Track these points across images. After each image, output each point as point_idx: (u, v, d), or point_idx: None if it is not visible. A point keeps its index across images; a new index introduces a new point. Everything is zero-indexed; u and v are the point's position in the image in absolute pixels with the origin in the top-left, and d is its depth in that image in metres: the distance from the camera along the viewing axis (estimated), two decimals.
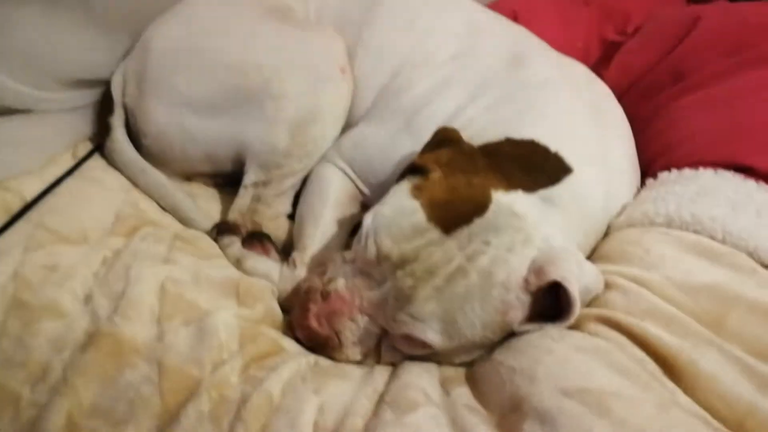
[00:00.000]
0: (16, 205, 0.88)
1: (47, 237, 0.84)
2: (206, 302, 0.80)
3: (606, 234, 0.92)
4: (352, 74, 1.06)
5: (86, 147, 1.05)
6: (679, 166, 0.96)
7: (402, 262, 0.75)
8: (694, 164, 0.94)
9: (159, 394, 0.70)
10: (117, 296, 0.78)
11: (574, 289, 0.72)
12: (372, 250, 0.77)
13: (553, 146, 0.86)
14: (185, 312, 0.78)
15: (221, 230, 0.97)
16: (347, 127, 1.06)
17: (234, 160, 1.04)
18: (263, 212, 1.02)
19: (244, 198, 1.02)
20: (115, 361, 0.72)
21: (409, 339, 0.77)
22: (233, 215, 1.02)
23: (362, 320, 0.79)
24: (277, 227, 1.02)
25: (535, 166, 0.84)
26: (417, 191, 0.78)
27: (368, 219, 0.80)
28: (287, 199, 1.04)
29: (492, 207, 0.76)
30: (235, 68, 0.99)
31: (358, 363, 0.81)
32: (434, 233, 0.75)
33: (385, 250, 0.76)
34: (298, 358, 0.77)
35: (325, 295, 0.80)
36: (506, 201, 0.78)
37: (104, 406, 0.69)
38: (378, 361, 0.81)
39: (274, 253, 0.97)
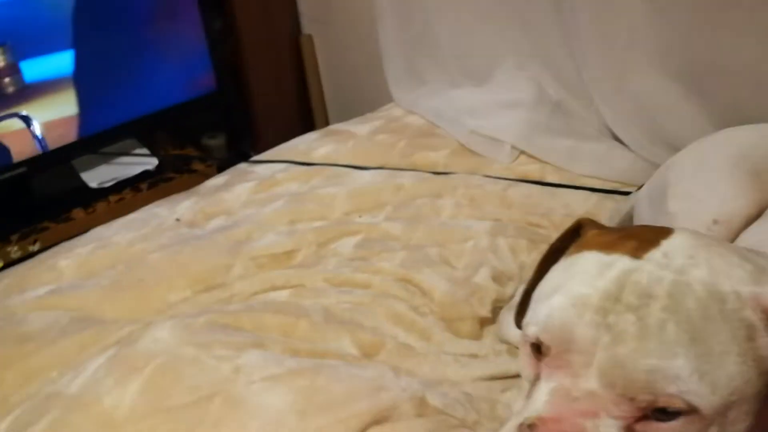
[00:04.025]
0: None
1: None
2: None
3: None
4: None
5: None
6: None
7: (606, 301, 0.54)
8: None
9: None
10: None
11: None
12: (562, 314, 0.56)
13: None
14: None
15: None
16: None
17: None
18: None
19: None
20: None
21: (654, 409, 0.52)
22: None
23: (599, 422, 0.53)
24: None
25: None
26: (577, 248, 0.62)
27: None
28: None
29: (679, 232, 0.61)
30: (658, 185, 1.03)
31: None
32: (624, 261, 0.57)
33: (580, 295, 0.56)
34: None
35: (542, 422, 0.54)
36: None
37: None
38: None
39: None
